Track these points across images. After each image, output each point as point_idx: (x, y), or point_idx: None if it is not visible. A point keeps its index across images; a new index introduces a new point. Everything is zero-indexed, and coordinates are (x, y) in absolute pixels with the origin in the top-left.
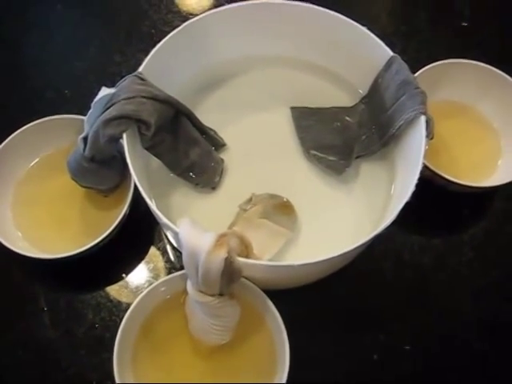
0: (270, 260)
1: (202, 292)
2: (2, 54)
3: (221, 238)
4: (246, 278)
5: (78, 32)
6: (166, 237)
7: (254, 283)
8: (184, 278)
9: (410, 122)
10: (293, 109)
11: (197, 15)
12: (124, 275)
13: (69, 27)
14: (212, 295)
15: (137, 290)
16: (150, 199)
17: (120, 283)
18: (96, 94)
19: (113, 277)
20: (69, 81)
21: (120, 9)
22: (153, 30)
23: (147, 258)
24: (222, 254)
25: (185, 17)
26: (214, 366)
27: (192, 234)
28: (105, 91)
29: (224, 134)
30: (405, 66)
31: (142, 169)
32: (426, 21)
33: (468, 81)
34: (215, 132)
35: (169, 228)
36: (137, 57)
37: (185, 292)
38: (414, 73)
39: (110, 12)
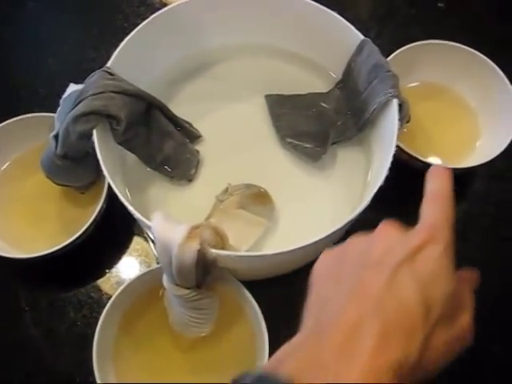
0: (247, 250)
1: (178, 285)
2: None
3: (193, 230)
4: (224, 269)
5: (51, 29)
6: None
7: (233, 274)
8: (161, 271)
9: (383, 106)
10: (267, 97)
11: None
12: (105, 271)
13: (41, 24)
14: (188, 288)
15: (117, 285)
16: (125, 194)
17: (101, 279)
18: None
19: (93, 273)
20: (43, 79)
21: (93, 3)
22: (126, 24)
23: (127, 252)
24: (194, 245)
25: (158, 9)
26: (195, 359)
27: (164, 227)
28: (73, 87)
29: (199, 126)
30: (376, 49)
31: (117, 164)
32: (402, 2)
33: (444, 62)
34: (190, 124)
35: (142, 223)
36: (110, 52)
37: (163, 286)
38: (390, 55)
39: (83, 7)
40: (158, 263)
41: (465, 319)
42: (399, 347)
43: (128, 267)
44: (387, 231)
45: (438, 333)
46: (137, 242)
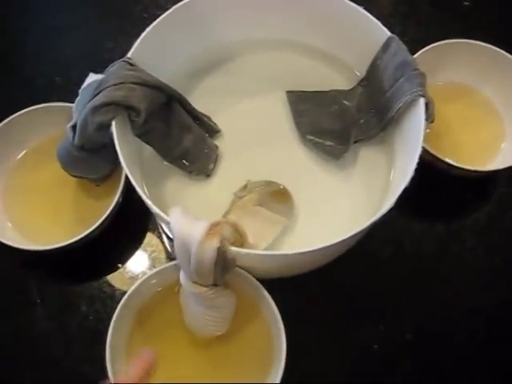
0: (266, 248)
1: (195, 283)
2: None
3: (213, 227)
4: (241, 268)
5: (69, 17)
6: (161, 225)
7: (249, 272)
8: (177, 268)
9: (409, 105)
10: (289, 93)
11: None
12: (118, 265)
13: (58, 13)
14: (206, 286)
15: (131, 280)
16: (143, 188)
17: (114, 274)
18: None
19: (107, 267)
20: (59, 68)
21: None
22: (145, 14)
23: (142, 247)
24: (215, 243)
25: (178, 0)
26: (211, 357)
27: (183, 223)
28: (92, 77)
29: (218, 120)
30: (403, 46)
31: (134, 157)
32: (426, 0)
33: (471, 62)
34: (209, 118)
35: (160, 217)
36: (130, 42)
37: (179, 282)
38: (413, 54)
39: None
40: (171, 259)
41: None
42: None
43: (142, 263)
44: None
45: None
46: (151, 237)
